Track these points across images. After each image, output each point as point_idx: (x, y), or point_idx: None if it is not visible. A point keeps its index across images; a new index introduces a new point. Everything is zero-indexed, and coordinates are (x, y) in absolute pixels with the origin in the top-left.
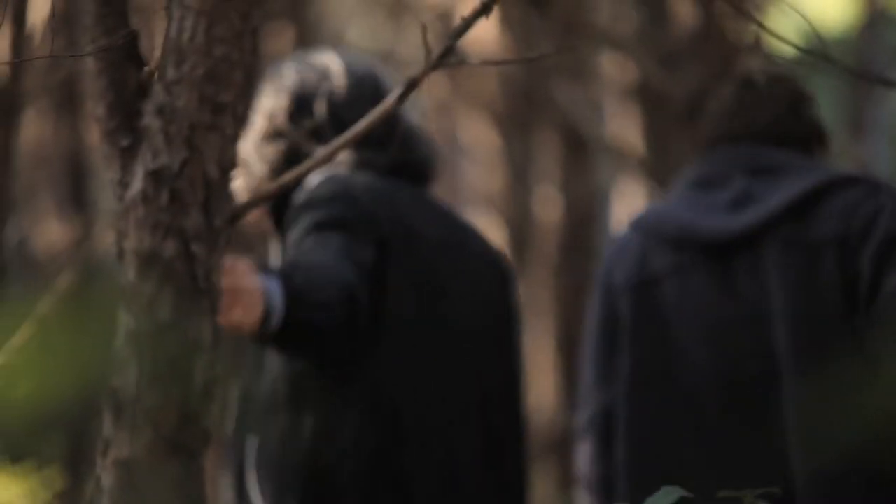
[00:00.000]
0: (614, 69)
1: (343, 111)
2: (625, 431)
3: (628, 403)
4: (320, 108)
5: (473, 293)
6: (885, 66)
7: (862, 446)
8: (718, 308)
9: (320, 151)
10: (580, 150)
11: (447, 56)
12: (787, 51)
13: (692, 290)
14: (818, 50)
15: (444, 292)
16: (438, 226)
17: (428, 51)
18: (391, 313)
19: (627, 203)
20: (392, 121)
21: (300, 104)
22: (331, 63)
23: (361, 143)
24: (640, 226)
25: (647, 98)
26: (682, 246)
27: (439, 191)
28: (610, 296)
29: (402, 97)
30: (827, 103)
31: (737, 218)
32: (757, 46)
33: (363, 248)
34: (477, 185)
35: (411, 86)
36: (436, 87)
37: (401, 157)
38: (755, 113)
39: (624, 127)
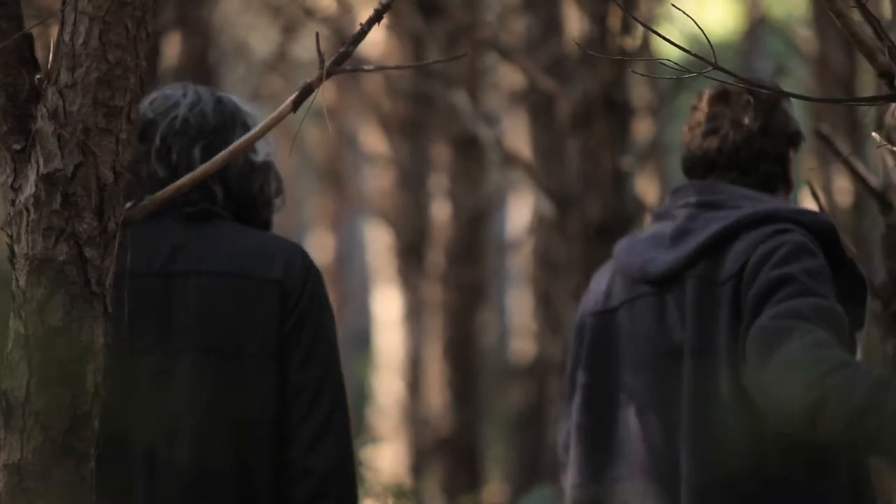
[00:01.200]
0: (505, 76)
1: (175, 140)
2: (575, 436)
3: (579, 415)
4: (154, 135)
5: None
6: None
7: (731, 464)
8: (655, 339)
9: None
10: (472, 154)
11: (341, 62)
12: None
13: (637, 320)
14: (706, 56)
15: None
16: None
17: (322, 58)
18: None
19: (519, 207)
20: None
21: (144, 129)
22: (186, 97)
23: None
24: (616, 255)
25: (537, 104)
26: (634, 278)
27: (331, 196)
28: (581, 321)
29: (298, 102)
30: None
31: (670, 253)
32: (645, 52)
33: None
34: (368, 190)
35: (306, 91)
36: (329, 93)
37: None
38: (719, 140)
39: (514, 133)
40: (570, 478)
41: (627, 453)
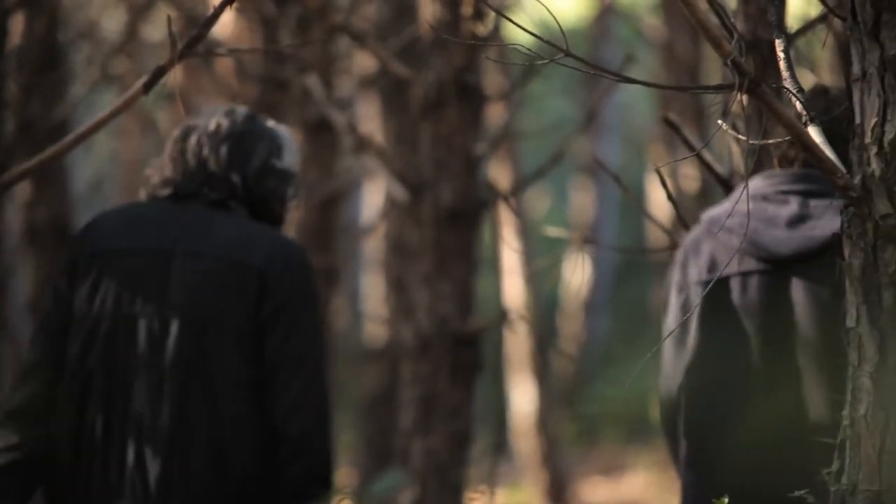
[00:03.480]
0: (360, 60)
1: (207, 139)
2: (687, 398)
3: (691, 374)
4: (192, 135)
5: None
6: (618, 59)
7: None
8: (769, 312)
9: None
10: (324, 139)
11: (193, 45)
12: (527, 43)
13: (751, 292)
14: (557, 43)
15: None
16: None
17: (174, 41)
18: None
19: (374, 192)
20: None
21: (187, 131)
22: (224, 110)
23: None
24: (711, 229)
25: (389, 89)
26: (750, 254)
27: None
28: (683, 286)
29: (149, 85)
30: (561, 97)
31: (795, 235)
32: (497, 38)
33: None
34: None
35: (158, 74)
36: (181, 76)
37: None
38: None
39: (366, 117)
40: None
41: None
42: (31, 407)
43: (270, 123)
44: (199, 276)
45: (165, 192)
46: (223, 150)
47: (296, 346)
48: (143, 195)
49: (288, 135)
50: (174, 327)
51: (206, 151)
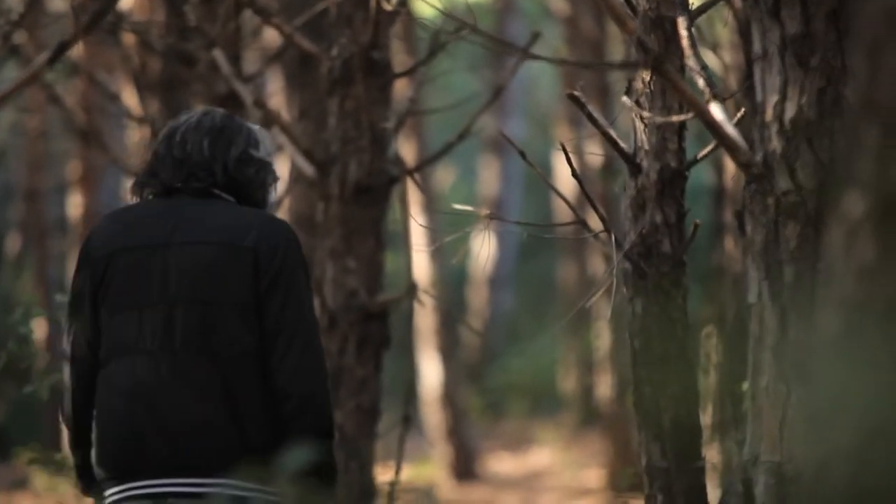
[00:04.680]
0: (267, 35)
1: (189, 134)
2: None
3: None
4: (176, 133)
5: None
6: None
7: None
8: None
9: None
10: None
11: (99, 20)
12: (433, 16)
13: None
14: (462, 18)
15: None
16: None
17: (77, 15)
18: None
19: (283, 167)
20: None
21: (171, 131)
22: (202, 111)
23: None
24: None
25: (294, 64)
26: None
27: (96, 156)
28: None
29: (52, 60)
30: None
31: None
32: (404, 13)
33: None
34: (131, 151)
35: (61, 49)
36: (83, 51)
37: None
38: None
39: (274, 92)
40: None
41: None
42: (82, 406)
43: (243, 120)
44: (197, 262)
45: (154, 187)
46: (205, 142)
47: (291, 315)
48: (132, 193)
49: (264, 133)
50: (179, 311)
51: (189, 146)
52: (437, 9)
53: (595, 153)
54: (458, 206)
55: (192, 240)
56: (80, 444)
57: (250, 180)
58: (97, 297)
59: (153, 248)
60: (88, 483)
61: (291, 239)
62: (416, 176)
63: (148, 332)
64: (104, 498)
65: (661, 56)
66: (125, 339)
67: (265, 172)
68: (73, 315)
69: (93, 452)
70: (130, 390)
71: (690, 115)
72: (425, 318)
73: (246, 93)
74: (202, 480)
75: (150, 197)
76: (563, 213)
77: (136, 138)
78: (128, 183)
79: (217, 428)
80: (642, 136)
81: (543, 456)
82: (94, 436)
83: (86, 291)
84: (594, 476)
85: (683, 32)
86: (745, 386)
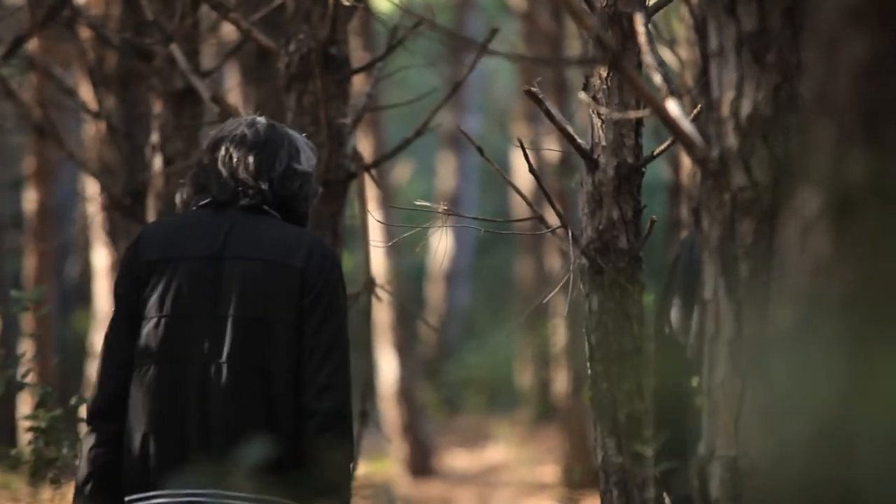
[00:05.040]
0: (224, 30)
1: (235, 149)
2: None
3: None
4: (221, 146)
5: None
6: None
7: None
8: None
9: None
10: (188, 108)
11: (55, 14)
12: (391, 12)
13: None
14: (422, 14)
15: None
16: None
17: (33, 10)
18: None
19: None
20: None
21: (215, 143)
22: (246, 121)
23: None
24: None
25: (252, 59)
26: None
27: (52, 151)
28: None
29: (8, 54)
30: (427, 70)
31: None
32: (363, 9)
33: None
34: (87, 146)
35: (17, 43)
36: (39, 46)
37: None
38: None
39: (230, 87)
40: None
41: None
42: (107, 407)
43: (286, 128)
44: (246, 277)
45: (203, 200)
46: (251, 158)
47: (327, 335)
48: (178, 202)
49: (302, 137)
50: (227, 324)
51: (235, 161)
52: (395, 4)
53: (552, 149)
54: (415, 202)
55: (242, 255)
56: (101, 445)
57: (294, 195)
58: (138, 301)
59: (204, 260)
60: (96, 490)
61: (335, 260)
62: (374, 171)
63: (195, 342)
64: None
65: (619, 52)
66: (169, 347)
67: (307, 185)
68: (113, 315)
69: (124, 455)
70: (172, 398)
71: (647, 111)
72: (382, 314)
73: (203, 88)
74: (236, 493)
75: (195, 207)
76: (520, 208)
77: (92, 133)
78: (84, 178)
79: (255, 441)
80: (599, 132)
81: (500, 451)
82: (127, 439)
83: (125, 294)
84: (550, 471)
85: (640, 29)
86: (696, 381)
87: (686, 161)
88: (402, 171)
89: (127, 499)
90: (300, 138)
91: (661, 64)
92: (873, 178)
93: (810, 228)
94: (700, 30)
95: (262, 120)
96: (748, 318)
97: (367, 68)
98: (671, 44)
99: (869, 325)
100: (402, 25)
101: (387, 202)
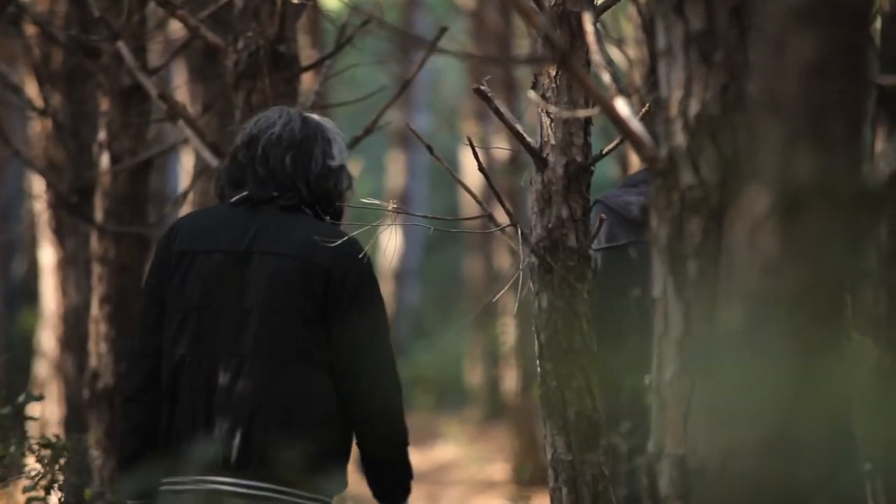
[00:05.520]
0: (169, 27)
1: (272, 150)
2: None
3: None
4: (257, 146)
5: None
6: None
7: None
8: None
9: None
10: (136, 106)
11: (1, 11)
12: (339, 10)
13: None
14: (371, 12)
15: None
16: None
17: None
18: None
19: (188, 157)
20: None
21: (249, 141)
22: (281, 118)
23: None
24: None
25: (199, 57)
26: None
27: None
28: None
29: None
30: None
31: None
32: (312, 7)
33: None
34: (33, 143)
35: None
36: None
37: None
38: None
39: (177, 85)
40: None
41: None
42: (138, 393)
43: (317, 120)
44: (273, 272)
45: (238, 196)
46: (287, 159)
47: (365, 334)
48: (214, 194)
49: (334, 128)
50: (252, 316)
51: (272, 161)
52: (343, 2)
53: (501, 147)
54: (364, 200)
55: (269, 250)
56: (132, 431)
57: (329, 192)
58: (166, 292)
59: (233, 254)
60: (130, 473)
61: (365, 259)
62: None
63: (220, 333)
64: (153, 488)
65: (567, 51)
66: (195, 337)
67: (342, 180)
68: (144, 304)
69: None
70: (197, 388)
71: (596, 110)
72: None
73: (150, 85)
74: (257, 483)
75: (231, 202)
76: (469, 207)
77: (38, 130)
78: (30, 176)
79: (276, 433)
80: (548, 131)
81: (449, 450)
82: (159, 426)
83: (155, 284)
84: (500, 469)
85: (589, 28)
86: (648, 379)
87: (635, 160)
88: (351, 169)
89: (162, 482)
90: (330, 128)
91: (610, 63)
92: (821, 177)
93: (758, 227)
94: (648, 29)
95: (294, 115)
96: (697, 316)
97: (315, 66)
98: (619, 43)
99: (816, 324)
100: (350, 23)
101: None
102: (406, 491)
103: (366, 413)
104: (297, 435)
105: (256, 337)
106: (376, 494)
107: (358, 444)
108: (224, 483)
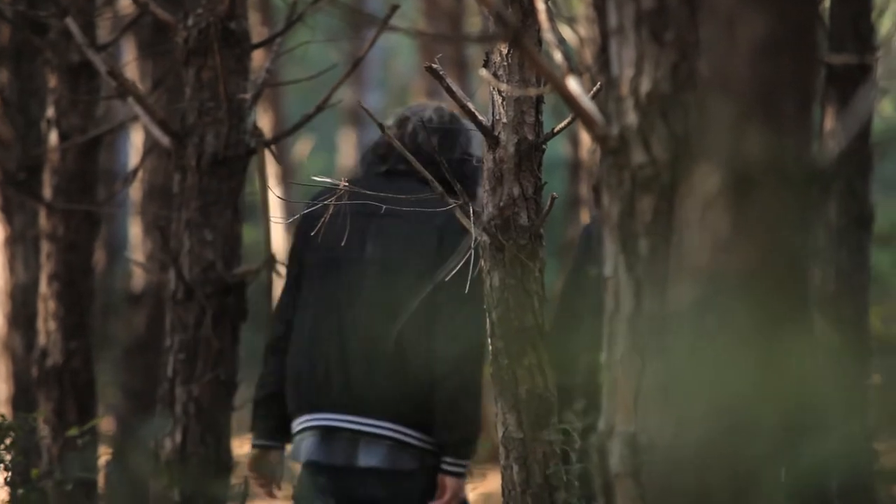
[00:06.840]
0: (118, 3)
1: (420, 130)
2: None
3: None
4: (408, 125)
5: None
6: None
7: None
8: None
9: None
10: (84, 83)
11: None
12: None
13: None
14: None
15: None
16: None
17: None
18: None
19: (140, 134)
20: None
21: (401, 120)
22: (430, 106)
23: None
24: None
25: (149, 33)
26: None
27: None
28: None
29: None
30: (326, 46)
31: None
32: None
33: None
34: None
35: None
36: None
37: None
38: None
39: (126, 61)
40: None
41: None
42: (276, 342)
43: (454, 112)
44: (391, 232)
45: (380, 169)
46: (434, 139)
47: (460, 289)
48: (359, 167)
49: (475, 134)
50: (370, 271)
51: (420, 138)
52: None
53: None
54: (316, 178)
55: (389, 212)
56: (269, 374)
57: (466, 177)
58: (305, 254)
59: (358, 216)
60: (265, 412)
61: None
62: (274, 147)
63: (340, 287)
64: (282, 432)
65: (519, 30)
66: (319, 292)
67: (478, 172)
68: (287, 264)
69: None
70: (319, 336)
71: (547, 88)
72: None
73: (99, 62)
74: (371, 421)
75: (373, 174)
76: None
77: None
78: None
79: (387, 377)
80: (500, 109)
81: None
82: (288, 371)
83: (295, 246)
84: None
85: (541, 6)
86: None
87: (586, 138)
88: (302, 147)
89: (293, 421)
90: (475, 133)
91: (562, 41)
92: (771, 156)
93: (709, 206)
94: (599, 7)
95: (446, 109)
96: (648, 295)
97: (266, 43)
98: (571, 21)
99: (767, 302)
100: (301, 1)
101: (287, 178)
102: (473, 446)
103: (444, 357)
104: (404, 374)
105: (372, 290)
106: (443, 448)
107: (436, 392)
108: (344, 419)
